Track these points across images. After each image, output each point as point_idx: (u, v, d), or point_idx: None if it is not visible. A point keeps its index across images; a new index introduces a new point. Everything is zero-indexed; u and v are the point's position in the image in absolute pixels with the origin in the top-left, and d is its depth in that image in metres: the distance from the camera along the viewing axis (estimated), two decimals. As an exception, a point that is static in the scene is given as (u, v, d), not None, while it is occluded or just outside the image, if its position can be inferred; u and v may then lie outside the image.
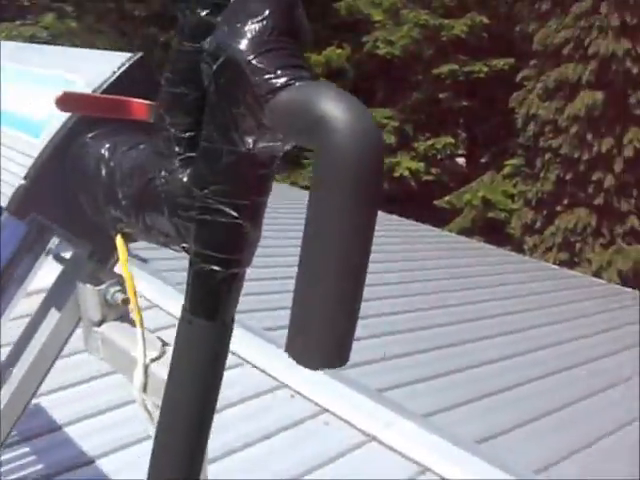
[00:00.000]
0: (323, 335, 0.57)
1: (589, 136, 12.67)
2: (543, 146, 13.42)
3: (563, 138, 13.03)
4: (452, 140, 15.33)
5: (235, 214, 0.67)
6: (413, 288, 6.16)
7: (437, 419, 3.67)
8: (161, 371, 0.79)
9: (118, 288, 0.87)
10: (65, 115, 0.81)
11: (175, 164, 0.73)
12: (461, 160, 17.14)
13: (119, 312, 0.89)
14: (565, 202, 13.21)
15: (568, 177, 12.91)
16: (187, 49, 0.70)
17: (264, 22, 0.62)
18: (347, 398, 3.68)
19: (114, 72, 0.84)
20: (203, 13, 0.68)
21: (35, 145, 0.82)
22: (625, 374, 4.92)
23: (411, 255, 7.44)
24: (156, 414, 0.77)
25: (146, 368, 0.80)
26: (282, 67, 0.61)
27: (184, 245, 0.73)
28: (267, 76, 0.60)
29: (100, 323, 0.88)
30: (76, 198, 0.83)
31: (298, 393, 3.69)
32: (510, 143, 14.54)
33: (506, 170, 14.58)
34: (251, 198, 0.68)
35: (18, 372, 0.89)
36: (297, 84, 0.59)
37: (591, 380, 4.78)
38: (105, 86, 0.83)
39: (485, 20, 14.33)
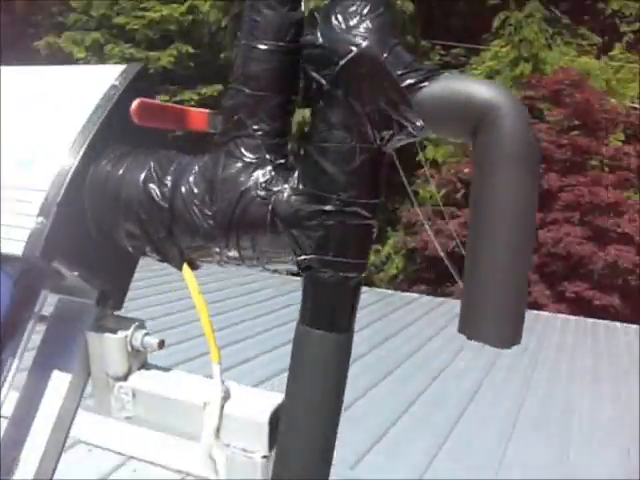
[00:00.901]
0: (502, 313, 0.60)
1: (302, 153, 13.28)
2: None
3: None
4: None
5: (369, 215, 0.65)
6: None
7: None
8: (233, 411, 0.72)
9: (145, 331, 0.76)
10: (60, 146, 0.70)
11: (271, 174, 0.67)
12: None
13: (142, 360, 0.77)
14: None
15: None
16: (268, 48, 0.66)
17: (383, 18, 0.63)
18: (150, 441, 3.58)
19: (118, 86, 0.74)
20: (284, 10, 0.65)
21: (42, 179, 0.70)
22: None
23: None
24: (220, 460, 0.72)
25: (222, 408, 0.71)
26: (413, 61, 0.63)
27: (302, 258, 0.65)
28: (408, 69, 0.61)
29: (126, 376, 0.76)
30: (99, 235, 0.73)
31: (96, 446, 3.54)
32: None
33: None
34: (380, 196, 0.66)
35: (32, 458, 0.75)
36: (442, 75, 0.61)
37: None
38: (115, 100, 0.73)
39: (190, 50, 14.55)
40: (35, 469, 0.74)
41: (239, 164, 0.68)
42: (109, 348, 0.75)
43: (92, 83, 0.75)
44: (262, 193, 0.67)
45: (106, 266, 0.75)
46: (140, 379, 0.77)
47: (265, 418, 0.70)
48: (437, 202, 14.80)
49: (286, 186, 0.67)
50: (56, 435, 0.75)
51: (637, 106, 16.95)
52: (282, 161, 0.68)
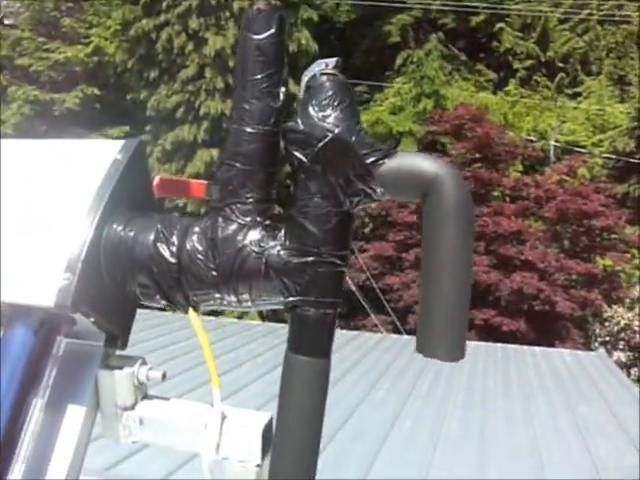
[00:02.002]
0: (449, 333, 0.76)
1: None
2: (169, 206, 13.78)
3: (188, 197, 13.51)
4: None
5: (342, 263, 0.80)
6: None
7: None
8: (230, 429, 0.82)
9: (149, 366, 0.87)
10: (77, 212, 0.80)
11: (261, 233, 0.80)
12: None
13: (145, 391, 0.88)
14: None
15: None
16: (256, 131, 0.81)
17: (350, 108, 0.80)
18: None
19: (121, 160, 0.84)
20: (268, 100, 0.81)
21: (65, 241, 0.80)
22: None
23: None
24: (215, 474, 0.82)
25: (221, 429, 0.81)
26: (374, 142, 0.80)
27: (290, 299, 0.79)
28: (371, 149, 0.78)
29: (133, 406, 0.86)
30: (113, 287, 0.84)
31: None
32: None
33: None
34: (349, 247, 0.82)
35: None
36: (398, 153, 0.79)
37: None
38: (120, 172, 0.84)
39: (96, 91, 14.48)
40: None
41: (235, 225, 0.81)
42: (118, 383, 0.85)
43: (96, 157, 0.86)
44: (256, 249, 0.80)
45: (116, 313, 0.85)
46: (145, 408, 0.86)
47: (258, 432, 0.81)
48: (347, 237, 15.00)
49: (276, 242, 0.80)
50: (73, 468, 0.83)
51: (533, 139, 17.74)
52: (269, 222, 0.83)
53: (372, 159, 0.77)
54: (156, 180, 0.86)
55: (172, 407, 0.88)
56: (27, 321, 0.82)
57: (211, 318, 10.63)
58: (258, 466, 0.82)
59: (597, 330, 14.93)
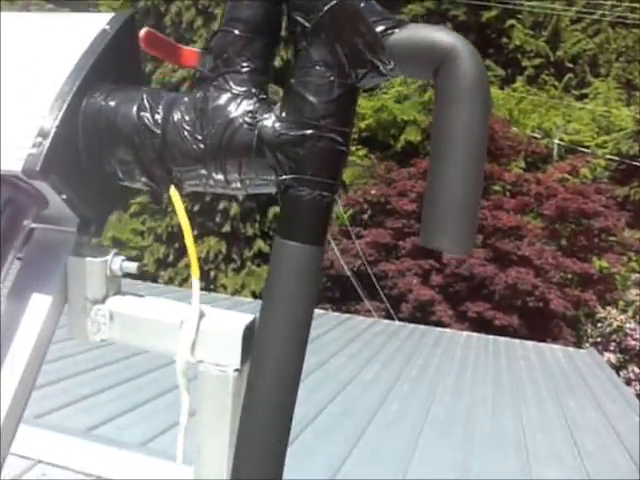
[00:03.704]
0: (459, 222, 0.69)
1: (212, 168, 13.29)
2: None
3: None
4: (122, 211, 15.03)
5: (342, 141, 0.73)
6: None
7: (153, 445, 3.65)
8: (208, 327, 0.75)
9: (124, 257, 0.80)
10: (56, 79, 0.75)
11: (256, 105, 0.75)
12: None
13: (118, 285, 0.81)
14: (195, 232, 13.65)
15: (196, 208, 13.37)
16: None
17: None
18: (59, 444, 3.53)
19: (109, 30, 0.79)
20: None
21: (40, 106, 0.74)
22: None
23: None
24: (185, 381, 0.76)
25: (197, 326, 0.75)
26: (384, 11, 0.74)
27: (282, 178, 0.73)
28: (382, 17, 0.72)
29: (104, 299, 0.80)
30: (90, 162, 0.78)
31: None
32: (133, 182, 14.61)
33: (133, 208, 14.63)
34: (352, 126, 0.75)
35: (9, 380, 0.76)
36: (410, 24, 0.72)
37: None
38: (107, 41, 0.79)
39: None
40: (13, 391, 0.76)
41: (228, 95, 0.75)
42: (89, 272, 0.79)
43: (84, 28, 0.80)
44: (249, 120, 0.74)
45: (92, 193, 0.79)
46: (117, 302, 0.80)
47: (238, 332, 0.75)
48: (344, 222, 15.01)
49: (271, 114, 0.74)
50: (34, 358, 0.77)
51: (537, 136, 17.67)
52: (265, 96, 0.76)
53: (382, 27, 0.71)
54: (142, 32, 0.79)
55: (146, 303, 0.81)
56: None
57: (203, 292, 10.63)
58: (237, 371, 0.75)
59: (589, 330, 14.92)
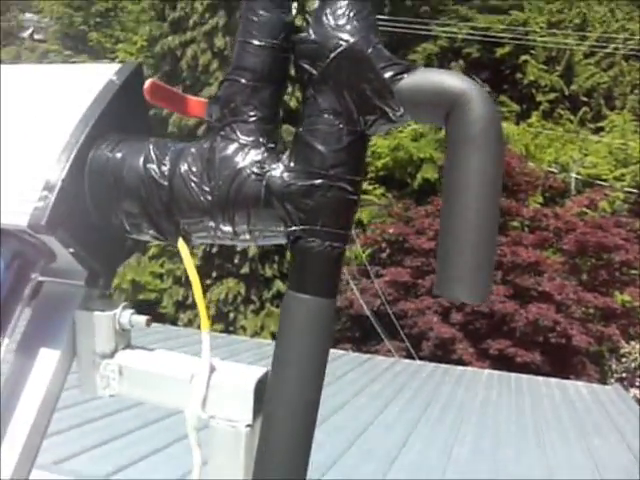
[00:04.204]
0: (474, 270, 0.66)
1: (230, 210, 13.37)
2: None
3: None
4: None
5: (353, 190, 0.72)
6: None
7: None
8: (219, 382, 0.74)
9: (132, 311, 0.79)
10: (63, 131, 0.74)
11: (264, 154, 0.73)
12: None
13: (127, 339, 0.80)
14: (214, 274, 13.66)
15: (214, 250, 13.40)
16: (263, 44, 0.73)
17: (368, 20, 0.72)
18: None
19: (116, 81, 0.79)
20: (277, 11, 0.73)
21: (46, 159, 0.74)
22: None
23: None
24: (195, 438, 0.74)
25: (208, 380, 0.73)
26: (393, 56, 0.71)
27: (292, 229, 0.71)
28: (390, 62, 0.70)
29: (113, 354, 0.78)
30: (97, 215, 0.77)
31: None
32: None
33: (152, 251, 14.71)
34: (362, 175, 0.74)
35: (18, 435, 0.74)
36: (419, 68, 0.70)
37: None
38: (113, 93, 0.78)
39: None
40: (20, 449, 0.74)
41: (235, 145, 0.74)
42: (97, 326, 0.78)
43: (91, 79, 0.80)
44: (257, 170, 0.73)
45: (99, 246, 0.78)
46: (126, 356, 0.79)
47: (250, 387, 0.72)
48: (362, 262, 14.98)
49: (279, 164, 0.73)
50: (42, 415, 0.76)
51: (554, 170, 17.63)
52: (273, 145, 0.75)
53: (391, 73, 0.69)
54: (146, 83, 0.77)
55: (156, 357, 0.80)
56: None
57: (223, 335, 10.61)
58: (249, 426, 0.73)
59: (613, 366, 14.70)
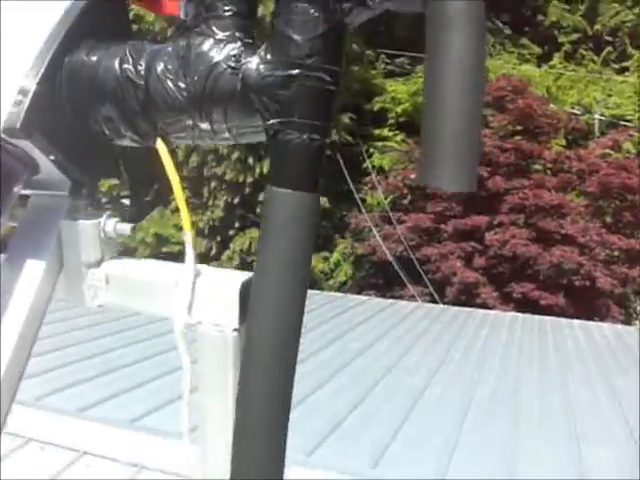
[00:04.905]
0: (457, 157, 0.63)
1: (250, 159, 13.36)
2: (208, 175, 13.85)
3: (226, 165, 13.59)
4: (117, 181, 15.20)
5: (331, 80, 0.70)
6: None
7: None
8: (205, 286, 0.74)
9: (117, 219, 0.80)
10: (36, 37, 0.74)
11: (240, 49, 0.72)
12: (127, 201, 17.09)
13: (113, 249, 0.81)
14: (237, 225, 13.73)
15: (236, 201, 13.45)
16: None
17: None
18: (103, 435, 3.57)
19: None
20: None
21: (19, 63, 0.73)
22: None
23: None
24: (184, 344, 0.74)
25: (193, 284, 0.73)
26: None
27: (270, 123, 0.70)
28: None
29: (99, 263, 0.79)
30: (75, 120, 0.76)
31: (47, 443, 3.50)
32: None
33: (173, 204, 14.76)
34: (341, 65, 0.72)
35: (5, 348, 0.75)
36: None
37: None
38: (84, 5, 0.76)
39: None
40: (8, 360, 0.75)
41: (210, 41, 0.73)
42: (83, 235, 0.78)
43: None
44: (232, 64, 0.72)
45: (81, 153, 0.78)
46: (113, 266, 0.80)
47: (235, 290, 0.72)
48: (384, 208, 14.95)
49: (255, 57, 0.72)
50: (30, 323, 0.77)
51: (577, 112, 17.38)
52: (251, 40, 0.74)
53: None
54: None
55: (142, 266, 0.80)
56: None
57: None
58: (235, 331, 0.73)
59: (638, 307, 14.66)
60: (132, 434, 3.62)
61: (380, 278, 14.81)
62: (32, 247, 0.79)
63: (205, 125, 0.74)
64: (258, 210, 13.54)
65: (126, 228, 0.80)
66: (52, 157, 0.75)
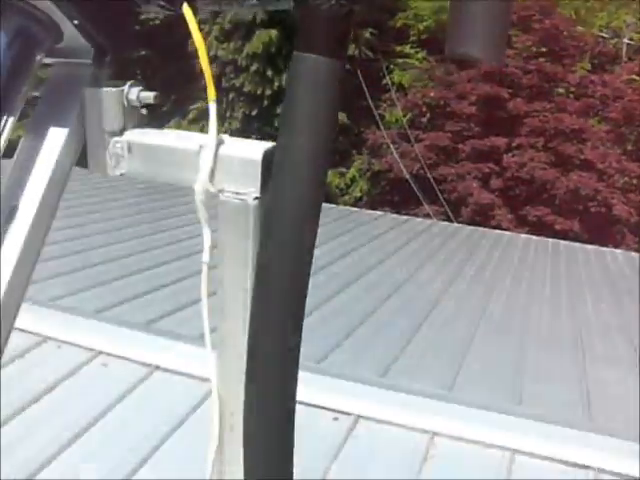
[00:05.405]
0: (488, 29, 0.61)
1: (269, 72, 13.21)
2: (226, 86, 13.71)
3: (244, 76, 13.44)
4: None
5: None
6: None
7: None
8: (227, 152, 0.72)
9: (141, 87, 0.77)
10: None
11: None
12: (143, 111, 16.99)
13: (136, 118, 0.78)
14: (253, 137, 13.63)
15: (254, 113, 13.35)
16: None
17: None
18: (119, 336, 3.63)
19: None
20: None
21: None
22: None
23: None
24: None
25: (216, 152, 0.72)
26: None
27: None
28: None
29: (122, 131, 0.78)
30: None
31: (64, 342, 3.56)
32: (190, 88, 14.63)
33: (191, 115, 14.67)
34: None
35: (29, 208, 0.76)
36: None
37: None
38: None
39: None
40: (32, 219, 0.76)
41: None
42: (106, 103, 0.77)
43: None
44: None
45: (105, 19, 0.76)
46: (135, 134, 0.78)
47: (257, 157, 0.71)
48: (403, 125, 14.80)
49: None
50: (53, 189, 0.77)
51: (605, 35, 16.96)
52: None
53: None
54: None
55: (164, 135, 0.78)
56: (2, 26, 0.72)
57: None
58: (257, 199, 0.72)
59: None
60: (146, 336, 3.69)
61: (395, 195, 14.78)
62: (55, 115, 0.78)
63: None
64: (276, 123, 13.44)
65: (150, 96, 0.78)
66: (76, 22, 0.73)
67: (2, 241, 0.74)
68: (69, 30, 0.74)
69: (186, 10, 0.73)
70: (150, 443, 2.76)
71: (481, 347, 4.18)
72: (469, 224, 11.10)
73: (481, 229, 9.35)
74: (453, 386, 3.52)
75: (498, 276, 6.24)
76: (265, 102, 13.48)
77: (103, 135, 0.79)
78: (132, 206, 7.22)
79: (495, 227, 11.87)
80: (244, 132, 13.49)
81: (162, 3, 0.75)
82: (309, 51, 0.67)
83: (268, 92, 13.36)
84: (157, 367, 3.37)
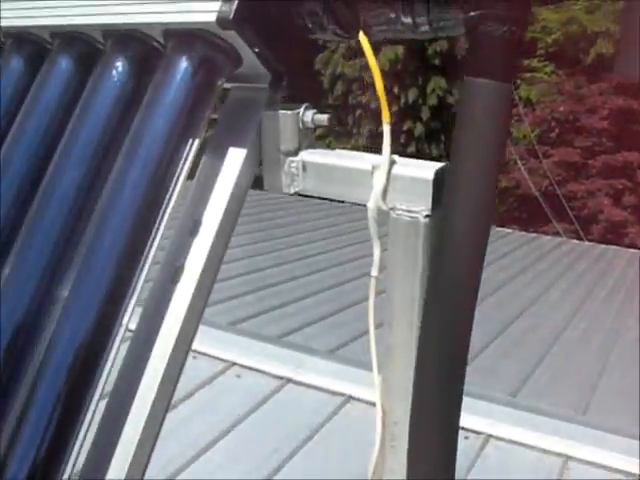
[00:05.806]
0: None
1: (395, 89, 13.26)
2: (352, 103, 13.87)
3: (371, 93, 13.55)
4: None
5: None
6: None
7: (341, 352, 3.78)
8: (399, 172, 0.77)
9: (315, 110, 0.83)
10: None
11: None
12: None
13: (310, 139, 0.84)
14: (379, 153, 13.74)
15: (380, 130, 13.41)
16: None
17: None
18: (253, 349, 3.73)
19: None
20: None
21: None
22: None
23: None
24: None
25: (389, 171, 0.76)
26: None
27: (470, 15, 0.71)
28: None
29: (296, 151, 0.83)
30: (279, 13, 0.79)
31: (200, 353, 3.68)
32: (318, 104, 14.84)
33: (318, 132, 14.83)
34: None
35: (212, 220, 0.79)
36: None
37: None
38: None
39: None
40: (213, 235, 0.80)
41: None
42: (282, 125, 0.82)
43: None
44: None
45: (283, 46, 0.81)
46: (309, 154, 0.83)
47: (430, 176, 0.75)
48: (531, 141, 14.51)
49: None
50: (232, 206, 0.81)
51: None
52: None
53: None
54: None
55: (337, 154, 0.84)
56: (186, 57, 0.79)
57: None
58: (428, 217, 0.75)
59: None
60: (279, 349, 3.78)
61: (524, 212, 14.47)
62: (233, 136, 0.83)
63: (407, 19, 0.76)
64: (402, 140, 13.48)
65: (324, 118, 0.83)
66: (257, 50, 0.78)
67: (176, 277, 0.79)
68: (248, 55, 0.79)
69: (362, 38, 0.78)
70: (281, 455, 2.83)
71: (615, 369, 4.05)
72: (600, 242, 10.74)
73: (614, 247, 9.03)
74: (586, 411, 3.43)
75: (633, 297, 6.00)
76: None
77: (279, 155, 0.83)
78: (265, 221, 7.39)
79: (629, 246, 11.43)
80: (370, 149, 13.55)
81: (339, 32, 0.81)
82: (481, 76, 0.71)
83: (394, 108, 13.41)
84: (289, 380, 3.45)
